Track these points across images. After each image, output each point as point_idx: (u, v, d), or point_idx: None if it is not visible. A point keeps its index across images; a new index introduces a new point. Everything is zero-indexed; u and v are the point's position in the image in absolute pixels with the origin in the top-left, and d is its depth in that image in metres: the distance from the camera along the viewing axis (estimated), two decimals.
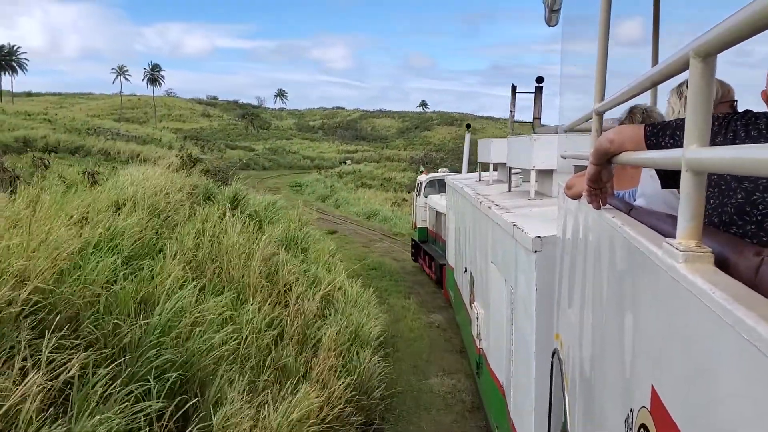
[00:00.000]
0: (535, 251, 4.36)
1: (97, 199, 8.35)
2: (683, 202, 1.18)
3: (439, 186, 18.07)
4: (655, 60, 2.97)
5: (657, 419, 1.29)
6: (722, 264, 1.13)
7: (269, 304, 7.99)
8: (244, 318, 7.02)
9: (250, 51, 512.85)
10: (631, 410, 1.52)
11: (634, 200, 2.33)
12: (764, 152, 0.83)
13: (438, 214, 16.76)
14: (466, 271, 9.42)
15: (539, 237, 4.35)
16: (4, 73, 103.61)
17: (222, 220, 9.62)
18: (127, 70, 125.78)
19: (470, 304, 8.56)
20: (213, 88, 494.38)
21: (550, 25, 4.54)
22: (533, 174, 7.41)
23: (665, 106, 2.63)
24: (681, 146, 1.37)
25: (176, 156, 19.53)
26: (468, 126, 19.85)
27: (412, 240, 20.01)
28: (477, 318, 7.43)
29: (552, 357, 3.53)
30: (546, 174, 7.63)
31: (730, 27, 0.94)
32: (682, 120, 1.56)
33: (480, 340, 7.37)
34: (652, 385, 1.33)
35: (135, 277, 6.45)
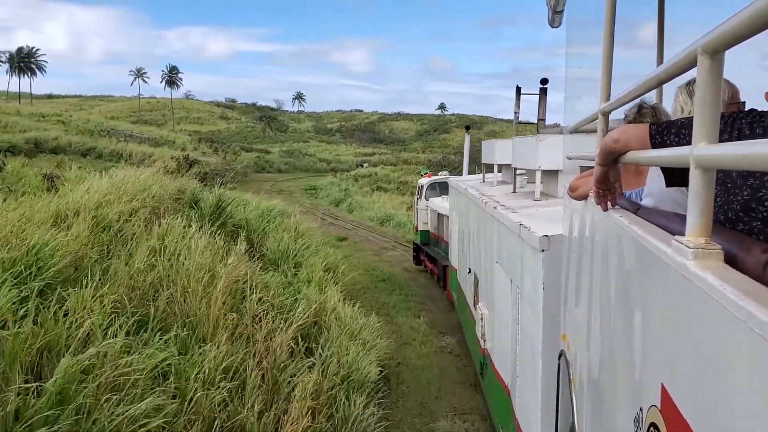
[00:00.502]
0: (543, 250, 4.32)
1: (35, 209, 6.88)
2: (692, 199, 1.18)
3: (440, 189, 18.09)
4: (660, 59, 2.96)
5: (667, 417, 1.28)
6: (730, 261, 1.13)
7: (232, 342, 6.35)
8: (193, 365, 5.47)
9: (270, 54, 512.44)
10: (641, 409, 1.51)
11: (641, 200, 2.30)
12: None
13: (440, 217, 16.72)
14: (470, 272, 9.28)
15: (546, 236, 4.31)
16: (24, 75, 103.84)
17: (188, 233, 8.03)
18: (145, 72, 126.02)
19: (474, 305, 8.47)
20: (233, 92, 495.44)
21: (553, 27, 4.53)
22: (538, 174, 7.35)
23: (671, 105, 2.56)
24: (686, 145, 1.44)
25: (171, 158, 18.18)
26: (467, 128, 19.46)
27: (414, 243, 19.73)
28: (481, 319, 7.33)
29: (559, 358, 3.49)
30: (551, 174, 7.57)
31: (737, 23, 0.93)
32: (687, 119, 1.66)
33: (484, 340, 7.30)
34: (662, 384, 1.32)
35: (53, 312, 4.95)
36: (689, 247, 1.14)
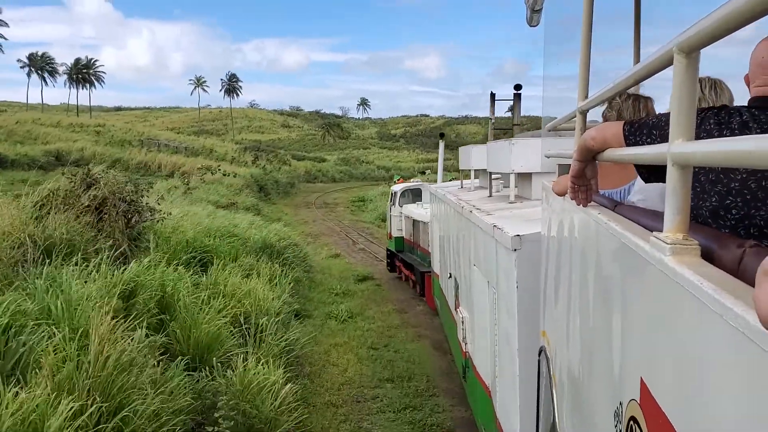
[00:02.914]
0: (515, 249, 4.34)
1: None
2: (669, 196, 1.20)
3: (413, 195, 18.32)
4: (636, 57, 3.03)
5: (647, 411, 1.30)
6: (707, 257, 1.15)
7: None
8: None
9: (342, 64, 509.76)
10: (621, 403, 1.53)
11: (622, 198, 2.33)
12: (748, 144, 0.85)
13: (415, 223, 16.54)
14: (450, 276, 9.17)
15: (518, 236, 4.35)
16: (82, 87, 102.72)
17: None
18: (204, 82, 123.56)
19: (455, 309, 8.36)
20: (305, 101, 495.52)
21: (531, 25, 4.55)
22: (512, 177, 7.38)
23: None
24: (657, 144, 1.59)
25: (65, 175, 11.75)
26: (441, 135, 19.07)
27: (388, 250, 19.36)
28: (462, 322, 7.29)
29: (539, 355, 3.54)
30: (525, 177, 7.57)
31: (713, 22, 0.95)
32: (658, 119, 1.73)
33: (466, 343, 7.20)
34: (641, 378, 1.34)
35: None
36: (667, 243, 1.16)
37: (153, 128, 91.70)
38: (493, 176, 8.85)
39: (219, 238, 14.61)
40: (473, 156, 10.52)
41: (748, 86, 1.72)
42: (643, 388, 1.30)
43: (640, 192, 2.17)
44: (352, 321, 13.17)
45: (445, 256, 10.07)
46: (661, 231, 1.22)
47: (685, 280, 1.02)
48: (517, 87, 13.28)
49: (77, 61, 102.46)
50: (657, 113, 2.12)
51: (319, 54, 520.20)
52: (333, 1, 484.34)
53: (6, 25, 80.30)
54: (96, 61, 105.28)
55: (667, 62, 1.19)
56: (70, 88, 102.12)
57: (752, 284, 0.87)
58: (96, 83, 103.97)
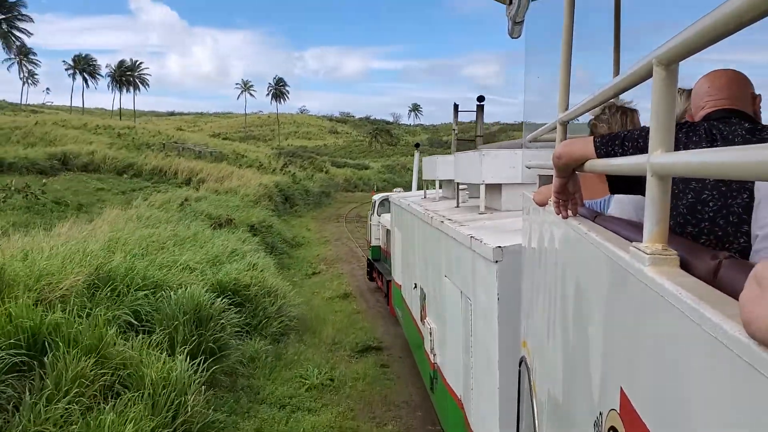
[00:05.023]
0: (497, 261, 4.29)
1: None
2: (649, 206, 1.19)
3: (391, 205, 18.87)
4: (616, 69, 3.03)
5: (626, 421, 1.29)
6: (684, 267, 1.14)
7: None
8: None
9: (400, 71, 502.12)
10: (601, 413, 1.52)
11: (602, 209, 2.34)
12: (727, 155, 0.85)
13: (388, 232, 16.42)
14: (416, 287, 9.04)
15: (500, 247, 4.29)
16: (127, 90, 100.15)
17: None
18: (251, 86, 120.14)
19: (422, 320, 8.23)
20: (361, 109, 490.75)
21: (513, 37, 4.57)
22: (482, 188, 7.32)
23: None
24: (629, 155, 1.64)
25: None
26: (417, 145, 19.35)
27: (367, 258, 19.22)
28: (430, 333, 7.21)
29: (519, 365, 3.51)
30: (494, 188, 7.55)
31: (691, 35, 0.96)
32: (629, 131, 1.80)
33: (435, 355, 7.09)
34: (621, 387, 1.33)
35: None
36: (646, 253, 1.15)
37: (201, 133, 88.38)
38: (460, 187, 8.77)
39: (123, 293, 8.84)
40: (439, 166, 10.49)
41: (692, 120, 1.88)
42: (623, 398, 1.31)
43: (618, 204, 2.19)
44: None
45: (410, 265, 9.91)
46: (640, 241, 1.23)
47: (663, 290, 1.03)
48: (480, 98, 13.31)
49: (121, 63, 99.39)
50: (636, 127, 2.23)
51: (378, 62, 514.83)
52: (394, 9, 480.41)
53: (30, 20, 77.81)
54: (141, 63, 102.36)
55: (647, 74, 1.22)
56: (113, 90, 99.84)
57: (729, 294, 0.91)
58: (141, 86, 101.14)
